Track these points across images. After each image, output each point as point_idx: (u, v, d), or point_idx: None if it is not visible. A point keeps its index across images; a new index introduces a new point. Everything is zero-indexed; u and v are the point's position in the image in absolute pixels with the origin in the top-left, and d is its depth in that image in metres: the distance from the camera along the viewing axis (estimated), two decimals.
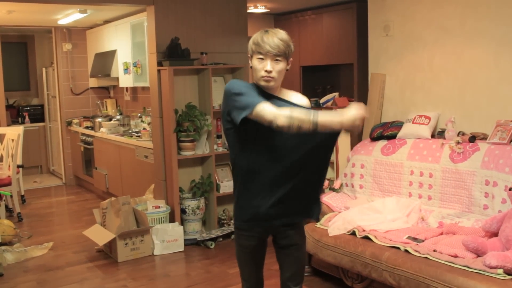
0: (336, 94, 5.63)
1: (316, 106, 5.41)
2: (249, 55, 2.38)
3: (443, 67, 4.37)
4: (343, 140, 4.83)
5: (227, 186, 5.17)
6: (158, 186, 5.17)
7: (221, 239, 5.05)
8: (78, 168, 7.84)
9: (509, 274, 2.83)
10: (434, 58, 4.43)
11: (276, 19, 7.00)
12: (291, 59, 2.39)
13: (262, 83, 2.33)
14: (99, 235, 4.73)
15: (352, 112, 2.13)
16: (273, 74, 2.30)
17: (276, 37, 2.29)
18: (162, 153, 5.08)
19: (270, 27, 7.07)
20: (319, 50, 6.32)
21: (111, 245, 4.69)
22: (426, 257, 3.18)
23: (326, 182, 4.64)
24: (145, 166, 5.63)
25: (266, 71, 2.29)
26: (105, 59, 7.02)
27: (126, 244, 4.62)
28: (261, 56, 2.30)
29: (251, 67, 2.37)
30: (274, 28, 2.37)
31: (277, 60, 2.30)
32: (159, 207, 4.92)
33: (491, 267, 2.87)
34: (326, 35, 6.23)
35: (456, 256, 3.11)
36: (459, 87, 4.27)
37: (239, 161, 2.38)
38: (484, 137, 3.91)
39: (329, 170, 4.98)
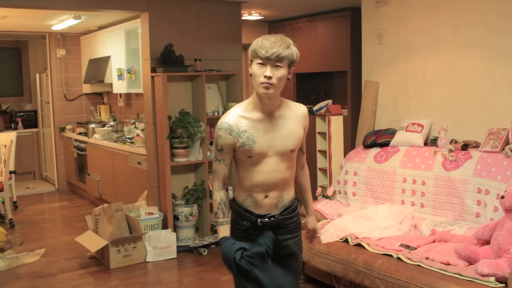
0: (330, 101, 5.65)
1: (310, 113, 5.42)
2: (249, 61, 2.28)
3: (436, 75, 4.39)
4: (336, 148, 4.84)
5: None
6: (151, 192, 5.16)
7: (214, 246, 5.04)
8: (71, 174, 7.81)
9: (500, 282, 2.84)
10: (427, 66, 4.46)
11: (271, 26, 7.02)
12: (293, 67, 2.29)
13: (261, 90, 2.22)
14: (92, 242, 4.71)
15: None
16: (273, 81, 2.20)
17: (278, 42, 2.21)
18: (156, 159, 5.07)
19: (264, 34, 7.10)
20: (313, 57, 6.34)
21: (103, 251, 4.67)
22: (418, 265, 3.18)
23: (319, 189, 4.65)
24: (138, 173, 5.62)
25: (265, 76, 2.19)
26: (99, 65, 7.01)
27: (118, 250, 4.60)
28: (260, 61, 2.20)
29: (250, 74, 2.27)
30: (278, 34, 2.28)
31: (277, 66, 2.20)
32: (152, 213, 4.91)
33: (483, 275, 2.88)
34: (320, 43, 6.25)
35: (448, 264, 3.12)
36: (451, 95, 4.29)
37: None
38: (476, 145, 3.93)
39: (322, 177, 4.99)
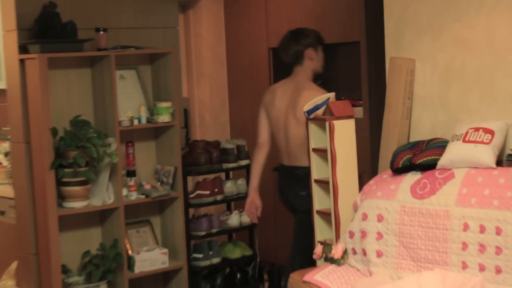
0: (332, 94, 5.52)
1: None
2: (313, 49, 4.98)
3: None
4: (346, 175, 4.74)
5: (147, 260, 5.14)
6: (25, 264, 5.12)
7: None
8: None
9: None
10: (498, 28, 4.45)
11: None
12: None
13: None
14: None
15: None
16: None
17: None
18: (31, 206, 5.04)
19: None
20: (304, 22, 6.30)
21: None
22: None
23: (319, 248, 4.60)
24: (1, 230, 5.57)
25: None
26: None
27: None
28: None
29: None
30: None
31: None
32: None
33: None
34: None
35: None
36: None
37: None
38: None
39: (323, 225, 4.89)
